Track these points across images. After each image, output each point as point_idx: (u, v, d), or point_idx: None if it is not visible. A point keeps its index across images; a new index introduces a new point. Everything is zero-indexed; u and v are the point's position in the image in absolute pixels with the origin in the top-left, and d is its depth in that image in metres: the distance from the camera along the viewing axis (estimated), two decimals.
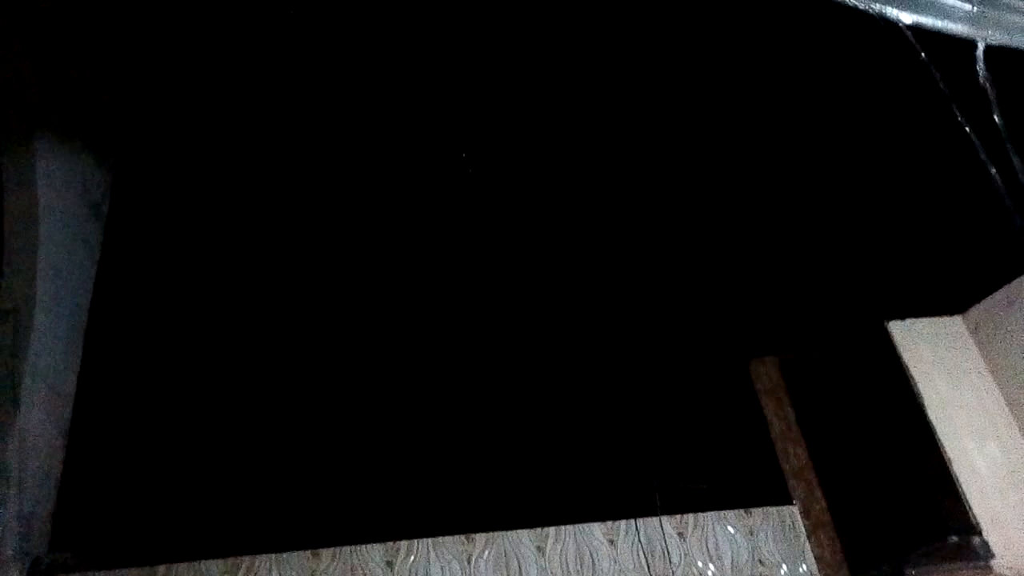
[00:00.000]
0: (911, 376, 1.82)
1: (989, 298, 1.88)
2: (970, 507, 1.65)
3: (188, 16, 2.18)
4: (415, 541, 1.73)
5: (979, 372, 1.84)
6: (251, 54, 2.21)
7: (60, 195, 2.11)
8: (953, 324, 1.92)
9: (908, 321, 1.91)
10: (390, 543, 1.71)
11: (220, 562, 1.68)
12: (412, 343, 2.20)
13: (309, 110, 2.32)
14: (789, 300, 2.30)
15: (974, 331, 1.89)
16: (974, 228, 1.86)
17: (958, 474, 1.69)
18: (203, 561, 1.70)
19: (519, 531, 1.80)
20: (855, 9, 1.04)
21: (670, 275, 2.35)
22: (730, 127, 2.06)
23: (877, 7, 1.02)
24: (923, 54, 1.09)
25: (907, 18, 1.06)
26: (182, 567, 1.69)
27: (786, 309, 2.31)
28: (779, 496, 2.12)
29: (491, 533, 1.78)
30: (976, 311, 1.91)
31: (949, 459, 1.71)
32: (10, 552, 1.67)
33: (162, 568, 1.70)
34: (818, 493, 2.16)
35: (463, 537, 1.75)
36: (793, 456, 2.23)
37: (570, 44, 1.93)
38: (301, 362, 2.16)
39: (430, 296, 2.28)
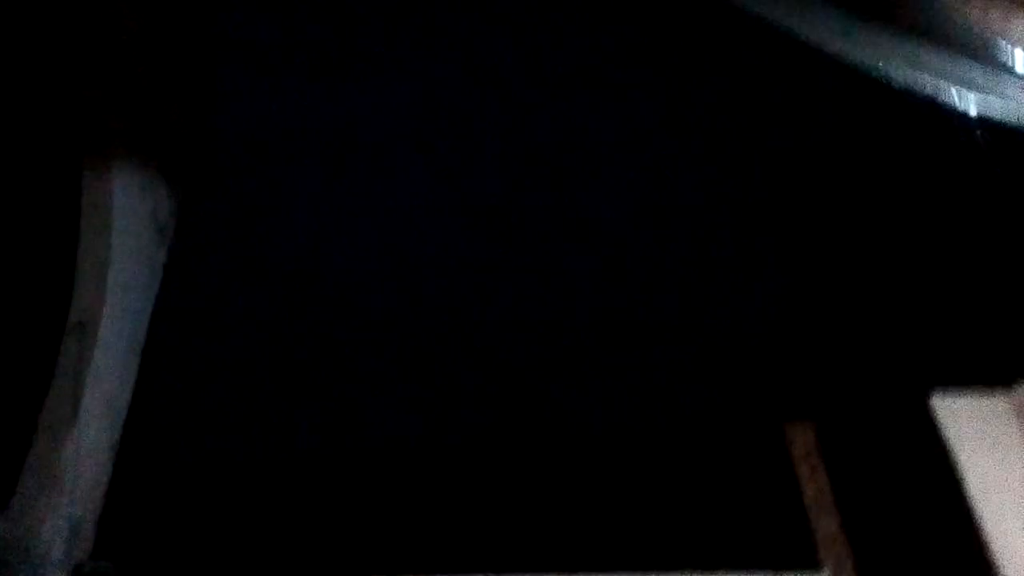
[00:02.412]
0: (953, 454, 1.81)
1: None
2: None
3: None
4: None
5: (1022, 453, 1.82)
6: None
7: (132, 215, 2.23)
8: (999, 403, 1.90)
9: (952, 397, 1.89)
10: None
11: None
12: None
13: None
14: (829, 365, 2.29)
15: (1019, 410, 1.87)
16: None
17: (997, 558, 1.67)
18: None
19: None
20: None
21: (714, 332, 2.36)
22: (786, 183, 2.09)
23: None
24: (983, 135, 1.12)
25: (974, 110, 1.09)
26: None
27: (825, 374, 2.30)
28: (808, 562, 2.10)
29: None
30: (1022, 391, 1.89)
31: (988, 541, 1.69)
32: (57, 557, 1.73)
33: None
34: (848, 564, 2.13)
35: None
36: (824, 523, 2.20)
37: None
38: (352, 388, 2.21)
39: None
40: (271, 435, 2.17)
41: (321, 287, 2.42)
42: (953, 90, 1.04)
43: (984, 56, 1.09)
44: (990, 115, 1.09)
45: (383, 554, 1.86)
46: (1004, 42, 1.07)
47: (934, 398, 1.87)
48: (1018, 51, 1.07)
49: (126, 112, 2.25)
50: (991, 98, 1.09)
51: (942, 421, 1.85)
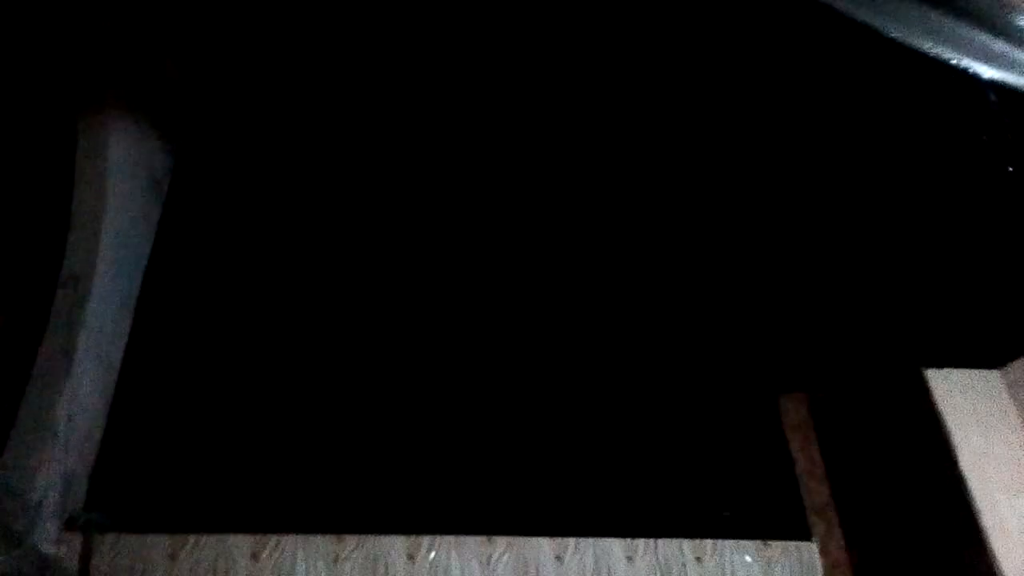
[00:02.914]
0: (945, 426, 1.82)
1: None
2: (996, 561, 1.64)
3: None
4: (437, 537, 1.76)
5: (1013, 429, 1.83)
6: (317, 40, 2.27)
7: (127, 169, 2.19)
8: (991, 378, 1.91)
9: (945, 371, 1.90)
10: (413, 536, 1.74)
11: (248, 537, 1.73)
12: (450, 344, 2.24)
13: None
14: (823, 338, 2.30)
15: (1011, 387, 1.89)
16: (1020, 283, 1.85)
17: (986, 527, 1.68)
18: (231, 535, 1.74)
19: (540, 539, 1.83)
20: (932, 59, 1.05)
21: (710, 304, 2.37)
22: (779, 157, 2.07)
23: (956, 60, 1.04)
24: (995, 104, 1.10)
25: (986, 73, 1.07)
26: (210, 539, 1.74)
27: (819, 347, 2.31)
28: (799, 532, 2.12)
29: (512, 538, 1.80)
30: (1016, 367, 1.90)
31: (978, 511, 1.71)
32: (51, 508, 1.73)
33: (191, 538, 1.74)
34: (838, 532, 2.15)
35: (484, 539, 1.78)
36: (816, 493, 2.23)
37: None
38: (343, 347, 2.20)
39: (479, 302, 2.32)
40: (263, 387, 2.17)
41: (316, 245, 2.40)
42: (971, 61, 1.03)
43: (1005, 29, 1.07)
44: (1006, 83, 1.08)
45: (368, 514, 1.87)
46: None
47: (928, 371, 1.88)
48: None
49: (122, 67, 2.21)
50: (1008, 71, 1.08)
51: (936, 394, 1.86)
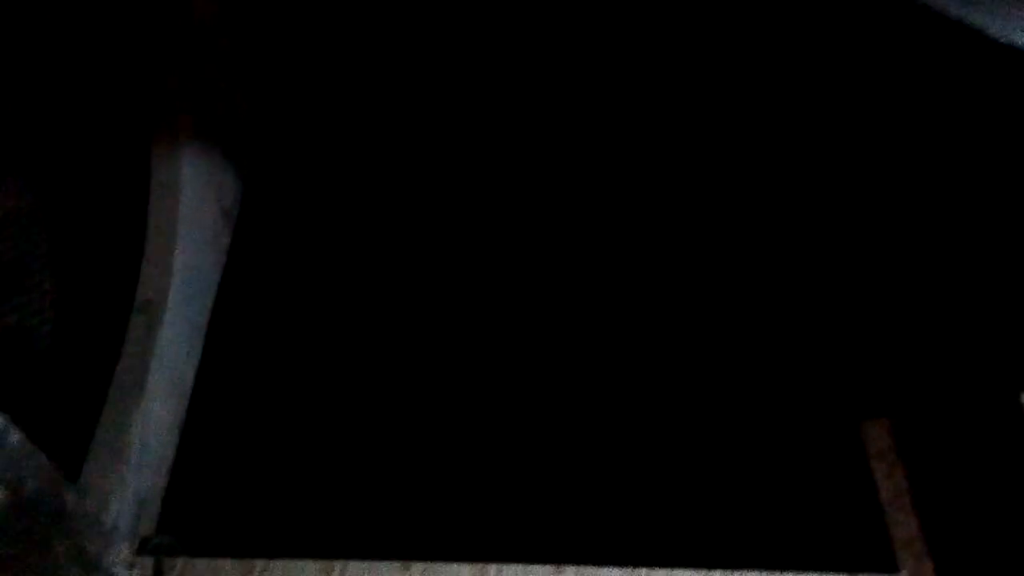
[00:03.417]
0: None
1: None
2: None
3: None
4: (504, 566, 1.72)
5: None
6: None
7: (198, 199, 2.26)
8: None
9: None
10: (479, 564, 1.71)
11: (315, 563, 1.72)
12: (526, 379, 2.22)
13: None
14: (906, 360, 2.19)
15: None
16: None
17: None
18: (299, 560, 1.74)
19: (611, 569, 1.77)
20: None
21: (784, 323, 2.28)
22: (864, 171, 2.00)
23: None
24: None
25: None
26: (279, 564, 1.74)
27: (902, 370, 2.20)
28: (885, 565, 2.01)
29: (582, 567, 1.75)
30: None
31: None
32: (125, 531, 1.76)
33: (260, 562, 1.74)
34: (927, 566, 2.02)
35: (553, 568, 1.73)
36: (902, 525, 2.10)
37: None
38: (415, 373, 2.20)
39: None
40: (332, 412, 2.18)
41: (385, 268, 2.42)
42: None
43: None
44: None
45: (433, 541, 1.85)
46: None
47: None
48: None
49: (195, 96, 2.28)
50: None
51: None
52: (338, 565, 1.71)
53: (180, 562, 1.77)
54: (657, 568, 1.78)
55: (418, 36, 2.47)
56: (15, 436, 1.38)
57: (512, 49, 2.34)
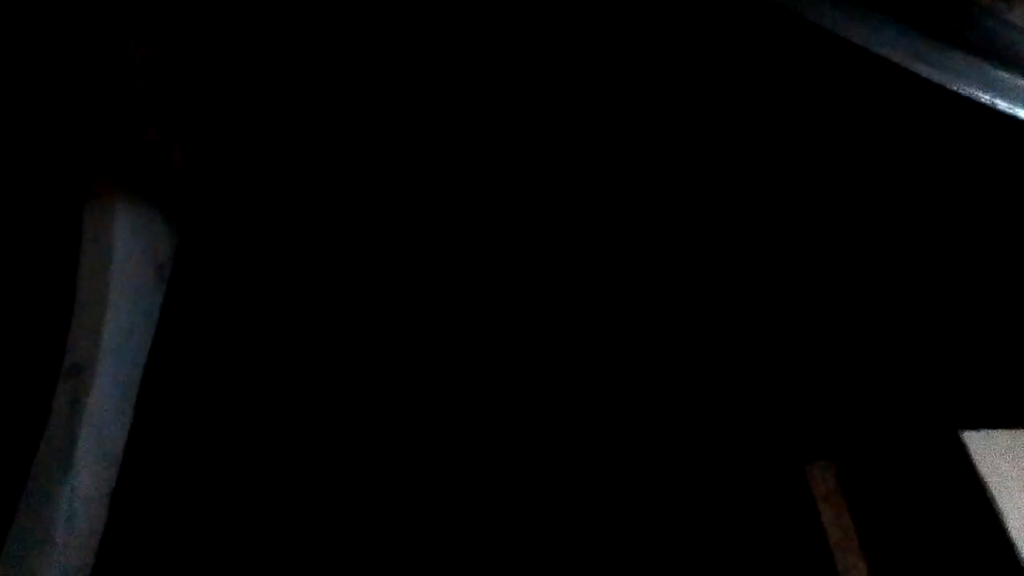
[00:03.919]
0: (989, 491, 1.75)
1: None
2: None
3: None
4: None
5: None
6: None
7: (131, 256, 2.16)
8: None
9: (984, 432, 1.84)
10: None
11: None
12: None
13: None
14: (847, 402, 2.25)
15: None
16: None
17: None
18: None
19: None
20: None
21: (726, 367, 2.32)
22: (801, 211, 2.06)
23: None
24: None
25: None
26: None
27: (844, 411, 2.25)
28: None
29: None
30: None
31: None
32: None
33: None
34: None
35: None
36: (852, 568, 2.13)
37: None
38: (362, 449, 2.14)
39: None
40: (270, 481, 2.10)
41: (323, 333, 2.36)
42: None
43: None
44: None
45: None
46: None
47: (965, 433, 1.82)
48: None
49: (129, 150, 2.21)
50: None
51: (975, 457, 1.79)
52: None
53: None
54: None
55: (358, 88, 2.46)
56: None
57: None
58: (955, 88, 1.04)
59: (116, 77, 2.13)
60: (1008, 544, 1.68)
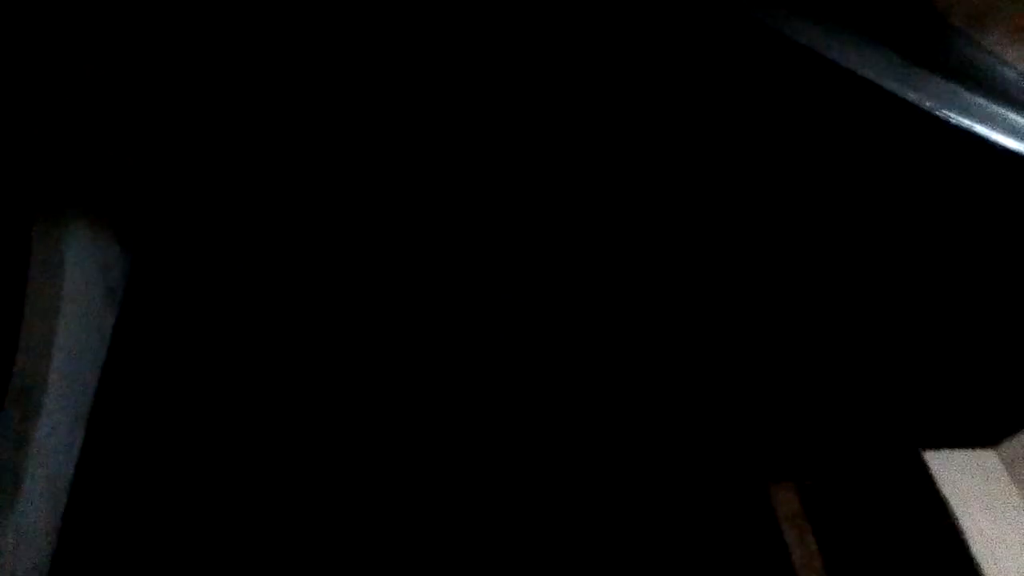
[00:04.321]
0: (951, 510, 1.78)
1: None
2: None
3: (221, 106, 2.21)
4: None
5: (1018, 509, 1.80)
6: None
7: (82, 278, 2.08)
8: (989, 457, 1.89)
9: (944, 452, 1.88)
10: None
11: None
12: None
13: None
14: (810, 426, 2.27)
15: (1010, 466, 1.87)
16: (1006, 361, 1.86)
17: None
18: None
19: None
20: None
21: (689, 387, 2.32)
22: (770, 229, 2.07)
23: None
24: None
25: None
26: None
27: (806, 435, 2.27)
28: None
29: None
30: (1011, 446, 1.89)
31: None
32: None
33: None
34: None
35: None
36: None
37: None
38: (321, 456, 2.08)
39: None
40: (225, 511, 2.02)
41: (277, 360, 2.30)
42: (1000, 135, 1.04)
43: None
44: None
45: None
46: None
47: (927, 454, 1.85)
48: None
49: (80, 168, 2.13)
50: None
51: (937, 476, 1.82)
52: None
53: None
54: None
55: (312, 100, 2.42)
56: None
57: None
58: (927, 107, 1.06)
59: (66, 97, 2.06)
60: (969, 562, 1.71)
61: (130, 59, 2.10)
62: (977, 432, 1.93)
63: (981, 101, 1.08)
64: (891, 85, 1.04)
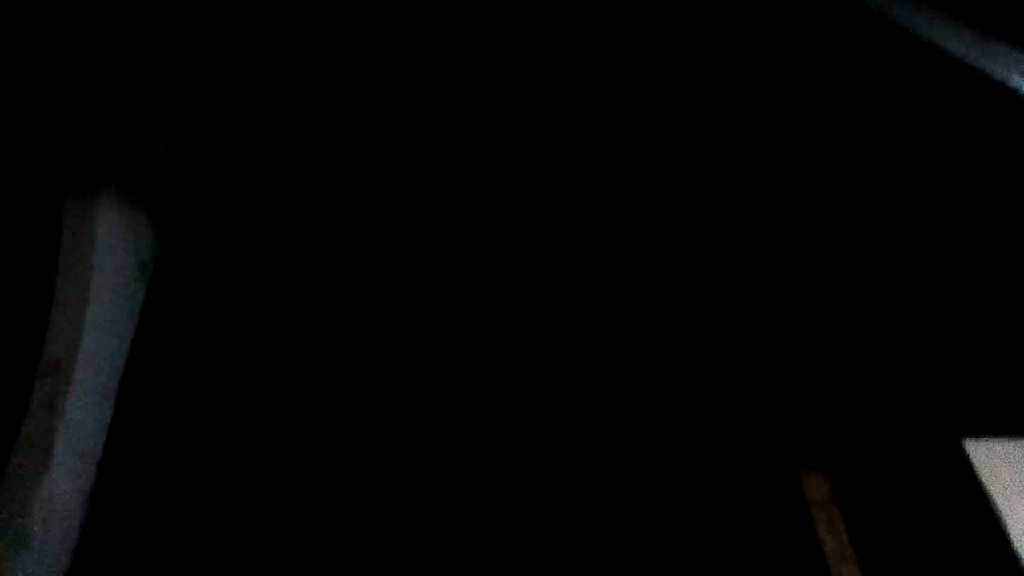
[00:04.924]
0: (992, 500, 1.73)
1: None
2: None
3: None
4: None
5: None
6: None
7: (113, 252, 2.10)
8: None
9: (985, 440, 1.82)
10: None
11: None
12: None
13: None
14: (842, 410, 2.22)
15: None
16: None
17: None
18: None
19: None
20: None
21: (719, 374, 2.29)
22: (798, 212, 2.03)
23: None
24: None
25: None
26: None
27: (838, 419, 2.23)
28: None
29: None
30: None
31: None
32: None
33: None
34: None
35: None
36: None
37: None
38: (337, 435, 2.09)
39: None
40: (254, 487, 2.04)
41: (307, 337, 2.30)
42: None
43: None
44: None
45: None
46: None
47: (967, 442, 1.80)
48: None
49: (111, 142, 2.14)
50: None
51: (978, 466, 1.77)
52: None
53: None
54: None
55: (348, 83, 2.41)
56: None
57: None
58: (989, 72, 1.01)
59: (99, 65, 2.06)
60: (1012, 555, 1.66)
61: (161, 23, 2.11)
62: (1019, 420, 1.87)
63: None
64: (961, 52, 0.99)
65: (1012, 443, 1.83)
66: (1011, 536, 1.67)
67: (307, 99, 2.31)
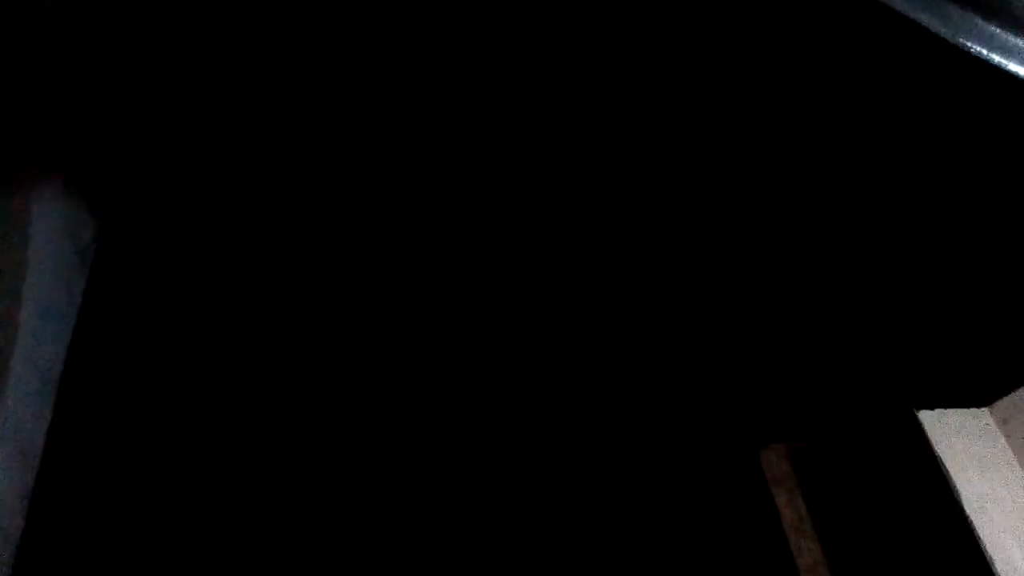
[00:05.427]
0: (946, 470, 1.76)
1: (1018, 392, 1.84)
2: None
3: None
4: None
5: (1011, 467, 1.79)
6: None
7: (51, 240, 2.00)
8: (982, 416, 1.87)
9: (938, 411, 1.85)
10: None
11: None
12: None
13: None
14: (799, 386, 2.25)
15: (1003, 425, 1.85)
16: (999, 318, 1.84)
17: (1000, 574, 1.61)
18: None
19: None
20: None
21: (682, 353, 2.29)
22: (757, 199, 2.04)
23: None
24: None
25: None
26: None
27: (796, 395, 2.25)
28: None
29: None
30: (1004, 404, 1.87)
31: (990, 559, 1.63)
32: None
33: None
34: None
35: None
36: (806, 551, 2.13)
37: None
38: (298, 435, 2.03)
39: None
40: (202, 483, 1.97)
41: (255, 324, 2.23)
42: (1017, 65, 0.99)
43: None
44: None
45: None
46: None
47: (921, 413, 1.83)
48: None
49: (46, 123, 2.04)
50: None
51: (932, 436, 1.80)
52: None
53: None
54: None
55: (294, 58, 2.33)
56: None
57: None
58: (943, 34, 1.01)
59: (26, 38, 1.96)
60: (965, 523, 1.69)
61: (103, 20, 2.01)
62: (970, 391, 1.91)
63: (996, 30, 1.03)
64: (903, 7, 0.99)
65: (964, 413, 1.87)
66: (964, 504, 1.70)
67: (258, 88, 2.24)
